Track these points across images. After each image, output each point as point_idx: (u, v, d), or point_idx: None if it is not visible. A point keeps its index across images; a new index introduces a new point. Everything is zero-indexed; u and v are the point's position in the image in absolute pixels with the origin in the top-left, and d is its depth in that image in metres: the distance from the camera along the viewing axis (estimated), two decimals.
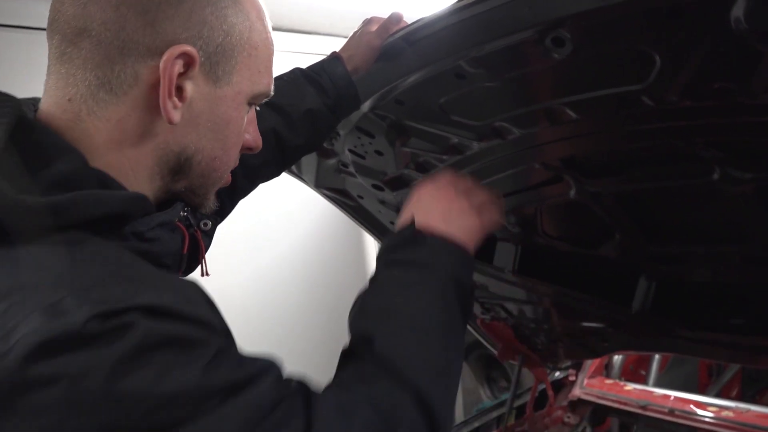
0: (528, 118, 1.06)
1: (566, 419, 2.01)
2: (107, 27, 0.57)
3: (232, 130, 0.66)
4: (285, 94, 0.96)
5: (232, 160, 0.69)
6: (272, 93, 0.69)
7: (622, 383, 2.01)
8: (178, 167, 0.64)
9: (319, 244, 3.10)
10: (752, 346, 1.35)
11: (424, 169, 1.33)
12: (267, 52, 0.67)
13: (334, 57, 1.03)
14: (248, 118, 0.70)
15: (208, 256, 0.77)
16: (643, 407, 1.79)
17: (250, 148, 0.72)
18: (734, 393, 2.62)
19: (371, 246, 3.19)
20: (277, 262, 2.96)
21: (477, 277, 1.70)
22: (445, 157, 1.28)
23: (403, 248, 0.76)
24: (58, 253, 0.51)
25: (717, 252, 1.24)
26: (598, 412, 1.98)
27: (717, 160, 0.96)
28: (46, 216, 0.51)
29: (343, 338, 0.74)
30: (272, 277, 2.93)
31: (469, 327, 2.01)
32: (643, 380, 2.32)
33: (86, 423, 0.45)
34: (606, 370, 2.18)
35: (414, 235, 0.77)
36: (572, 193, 1.22)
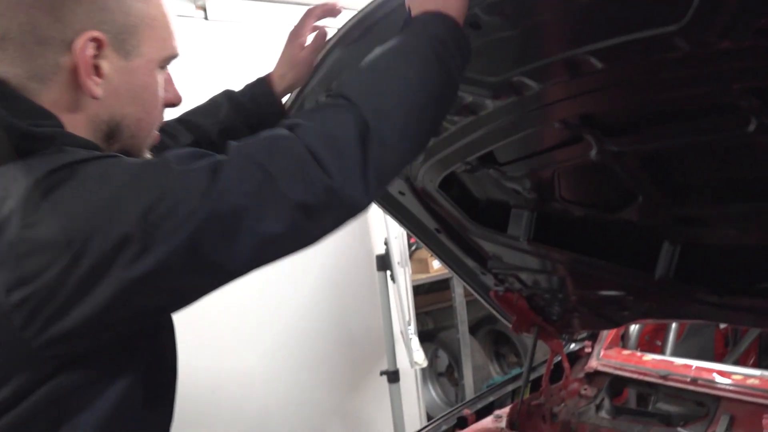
0: (548, 71, 0.99)
1: (583, 391, 1.97)
2: (23, 29, 0.66)
3: (149, 93, 0.76)
4: (204, 114, 1.06)
5: (156, 119, 0.80)
6: (178, 53, 0.78)
7: (639, 354, 1.96)
8: (111, 133, 0.74)
9: None
10: None
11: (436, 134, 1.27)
12: (165, 19, 0.76)
13: (258, 79, 1.09)
14: (165, 79, 0.79)
15: None
16: (664, 377, 1.74)
17: (172, 104, 0.82)
18: (751, 362, 2.58)
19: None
20: None
21: (490, 248, 1.65)
22: (456, 118, 1.22)
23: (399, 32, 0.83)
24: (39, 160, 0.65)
25: (746, 211, 1.17)
26: (615, 384, 1.93)
27: (754, 110, 0.89)
28: (36, 141, 0.66)
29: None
30: None
31: (481, 299, 1.97)
32: (659, 351, 2.27)
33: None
34: (622, 341, 2.12)
35: (408, 20, 0.83)
36: (593, 153, 1.16)
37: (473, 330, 4.51)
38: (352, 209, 0.72)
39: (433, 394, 4.25)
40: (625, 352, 1.99)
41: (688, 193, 1.22)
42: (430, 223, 1.67)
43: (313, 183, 0.67)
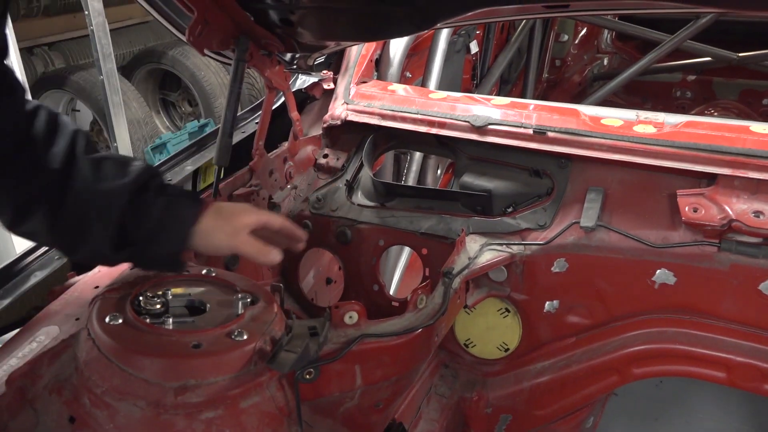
0: None
1: (322, 160, 1.11)
2: None
3: None
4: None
5: None
6: None
7: (414, 90, 1.13)
8: None
9: None
10: None
11: None
12: None
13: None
14: None
15: None
16: (479, 129, 0.95)
17: None
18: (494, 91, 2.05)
19: None
20: None
21: None
22: None
23: None
24: None
25: None
26: (379, 143, 1.10)
27: None
28: None
29: None
30: None
31: None
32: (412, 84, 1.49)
33: None
34: (377, 70, 1.26)
35: None
36: None
37: (127, 70, 3.33)
38: None
39: None
40: (394, 87, 1.14)
41: None
42: None
43: None
